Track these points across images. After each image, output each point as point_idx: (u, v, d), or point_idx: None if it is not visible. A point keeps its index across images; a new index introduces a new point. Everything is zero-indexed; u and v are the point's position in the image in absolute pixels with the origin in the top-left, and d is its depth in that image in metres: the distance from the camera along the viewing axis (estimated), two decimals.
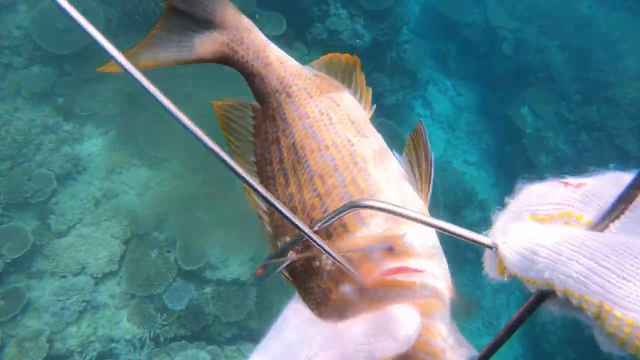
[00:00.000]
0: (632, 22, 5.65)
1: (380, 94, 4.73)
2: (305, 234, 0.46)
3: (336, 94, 0.62)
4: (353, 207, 0.44)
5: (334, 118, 0.60)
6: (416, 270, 0.50)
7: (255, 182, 0.46)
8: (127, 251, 3.41)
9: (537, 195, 0.40)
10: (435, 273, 0.51)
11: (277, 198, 0.58)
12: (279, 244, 0.58)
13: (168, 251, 3.38)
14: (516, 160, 4.75)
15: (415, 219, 0.42)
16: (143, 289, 3.31)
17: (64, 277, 3.37)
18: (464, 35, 5.68)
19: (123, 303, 3.36)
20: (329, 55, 0.66)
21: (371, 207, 0.43)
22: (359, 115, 0.62)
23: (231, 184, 3.64)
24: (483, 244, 0.41)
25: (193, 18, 0.60)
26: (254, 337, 3.44)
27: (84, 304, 3.33)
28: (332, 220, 0.47)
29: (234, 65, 0.63)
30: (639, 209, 0.35)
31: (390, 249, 0.51)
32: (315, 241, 0.47)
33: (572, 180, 0.40)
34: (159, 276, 3.33)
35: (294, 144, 0.59)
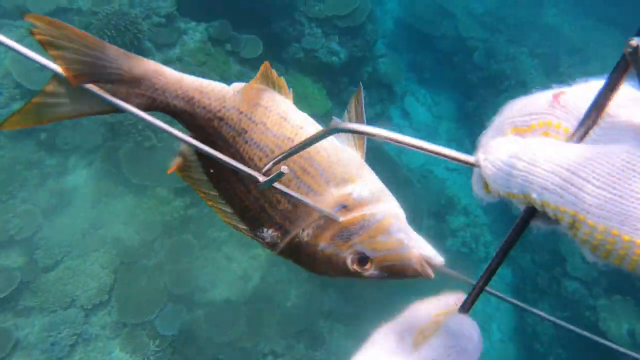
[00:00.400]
0: (595, 29, 5.92)
1: None
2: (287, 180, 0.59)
3: (261, 98, 0.66)
4: (335, 131, 0.48)
5: (267, 123, 0.65)
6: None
7: (212, 150, 0.56)
8: (117, 280, 3.40)
9: (518, 107, 0.40)
10: (382, 206, 0.64)
11: (245, 206, 0.67)
12: (258, 233, 0.67)
13: (158, 277, 3.38)
14: None
15: (395, 140, 0.44)
16: (134, 316, 3.30)
17: (53, 311, 3.35)
18: (438, 47, 5.89)
19: (115, 333, 3.34)
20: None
21: (351, 131, 0.46)
22: (286, 107, 0.67)
23: None
24: (466, 162, 0.41)
25: (101, 81, 0.59)
26: (248, 356, 3.43)
27: (75, 337, 3.30)
28: (311, 144, 0.52)
29: (156, 110, 0.63)
30: (612, 117, 0.36)
31: (345, 207, 0.64)
32: (285, 190, 0.59)
33: (555, 90, 0.40)
34: (150, 302, 3.32)
35: (242, 158, 0.64)
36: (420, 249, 0.63)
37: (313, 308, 3.78)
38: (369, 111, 4.81)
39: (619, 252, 0.31)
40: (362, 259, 0.63)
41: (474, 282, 0.53)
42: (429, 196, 4.45)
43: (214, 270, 3.51)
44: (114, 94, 0.59)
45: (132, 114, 0.57)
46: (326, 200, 0.64)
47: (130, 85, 0.61)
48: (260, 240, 0.68)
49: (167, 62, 4.07)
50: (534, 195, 0.34)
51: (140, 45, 3.99)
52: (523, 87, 5.40)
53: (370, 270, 0.64)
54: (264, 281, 3.60)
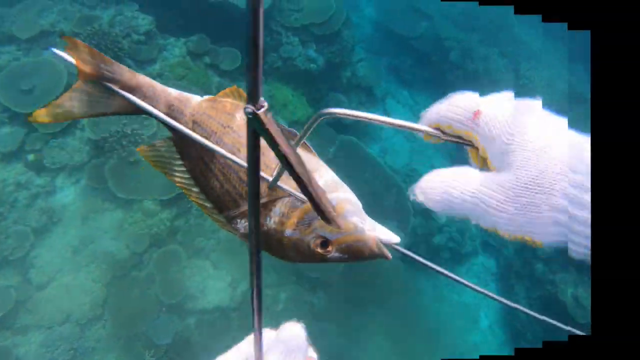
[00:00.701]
0: (546, 38, 6.17)
1: None
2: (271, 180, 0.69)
3: (228, 107, 0.80)
4: (321, 116, 0.56)
5: (234, 127, 0.77)
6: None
7: (219, 148, 0.70)
8: (109, 294, 3.49)
9: (452, 108, 0.52)
10: (337, 194, 0.73)
11: (218, 197, 0.78)
12: (233, 225, 0.77)
13: (148, 288, 3.47)
14: None
15: (372, 119, 0.54)
16: (128, 328, 3.38)
17: (49, 328, 3.43)
18: (416, 48, 6.02)
19: (110, 345, 3.42)
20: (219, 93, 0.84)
21: (336, 115, 0.55)
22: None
23: (202, 215, 3.77)
24: (423, 131, 0.54)
25: (104, 85, 0.75)
26: None
27: (72, 352, 3.38)
28: (307, 134, 0.60)
29: (145, 114, 0.79)
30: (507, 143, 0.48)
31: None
32: (285, 188, 0.71)
33: (477, 101, 0.51)
34: (143, 313, 3.41)
35: (214, 155, 0.76)
36: (375, 231, 0.69)
37: (304, 310, 3.87)
38: None
39: (525, 242, 0.47)
40: (324, 243, 0.70)
41: (430, 264, 0.64)
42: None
43: (203, 279, 3.60)
44: (116, 100, 0.76)
45: (146, 112, 0.74)
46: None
47: (126, 91, 0.76)
48: (236, 232, 0.77)
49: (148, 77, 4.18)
50: (470, 220, 0.49)
51: (121, 63, 4.09)
52: (494, 86, 5.56)
53: (332, 252, 0.70)
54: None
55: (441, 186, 0.51)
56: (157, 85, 0.79)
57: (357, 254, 0.69)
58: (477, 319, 4.56)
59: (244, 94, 0.80)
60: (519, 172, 0.47)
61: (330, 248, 0.70)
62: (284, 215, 0.72)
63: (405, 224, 4.26)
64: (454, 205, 0.50)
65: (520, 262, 4.58)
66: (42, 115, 0.73)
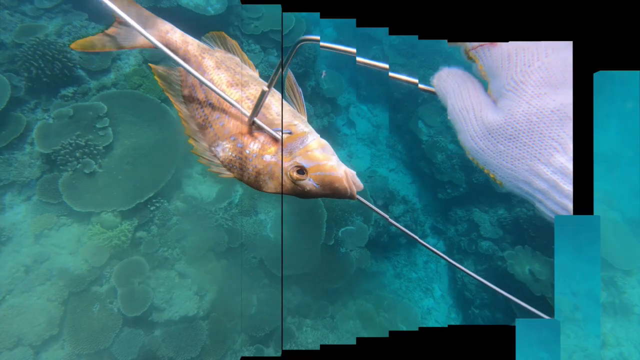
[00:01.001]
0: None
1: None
2: (246, 113, 0.83)
3: (229, 54, 0.97)
4: (302, 42, 0.65)
5: (229, 64, 0.93)
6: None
7: (214, 86, 0.83)
8: (67, 312, 3.31)
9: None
10: (315, 136, 0.84)
11: (208, 116, 0.90)
12: (213, 148, 0.88)
13: (110, 302, 3.32)
14: (421, 162, 5.58)
15: (345, 51, 0.64)
16: (89, 346, 3.21)
17: None
18: (369, 70, 6.36)
19: None
20: (211, 33, 1.00)
21: (315, 41, 0.64)
22: (241, 63, 0.96)
23: (165, 224, 3.68)
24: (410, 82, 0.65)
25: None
26: None
27: None
28: (290, 58, 0.70)
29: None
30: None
31: (290, 133, 0.83)
32: (259, 123, 0.82)
33: (471, 45, 0.57)
34: (105, 329, 3.25)
35: (212, 81, 0.90)
36: (347, 170, 0.79)
37: (278, 309, 3.84)
38: (316, 122, 5.10)
39: (487, 174, 0.53)
40: (300, 170, 0.78)
41: (387, 216, 0.77)
42: (376, 192, 4.99)
43: (168, 289, 3.50)
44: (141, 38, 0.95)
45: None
46: (277, 125, 0.86)
47: (150, 29, 0.95)
48: (214, 158, 0.87)
49: (102, 88, 4.05)
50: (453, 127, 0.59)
51: (72, 74, 3.95)
52: (434, 99, 5.97)
53: (306, 179, 0.78)
54: (221, 294, 3.63)
55: (449, 81, 0.59)
56: (178, 30, 0.98)
57: (329, 184, 0.78)
58: (430, 289, 5.07)
59: (243, 55, 0.98)
60: (505, 122, 0.49)
61: (305, 176, 0.79)
62: (267, 142, 0.83)
63: (368, 218, 4.52)
64: (449, 109, 0.57)
65: (467, 242, 5.06)
66: (79, 44, 0.93)
